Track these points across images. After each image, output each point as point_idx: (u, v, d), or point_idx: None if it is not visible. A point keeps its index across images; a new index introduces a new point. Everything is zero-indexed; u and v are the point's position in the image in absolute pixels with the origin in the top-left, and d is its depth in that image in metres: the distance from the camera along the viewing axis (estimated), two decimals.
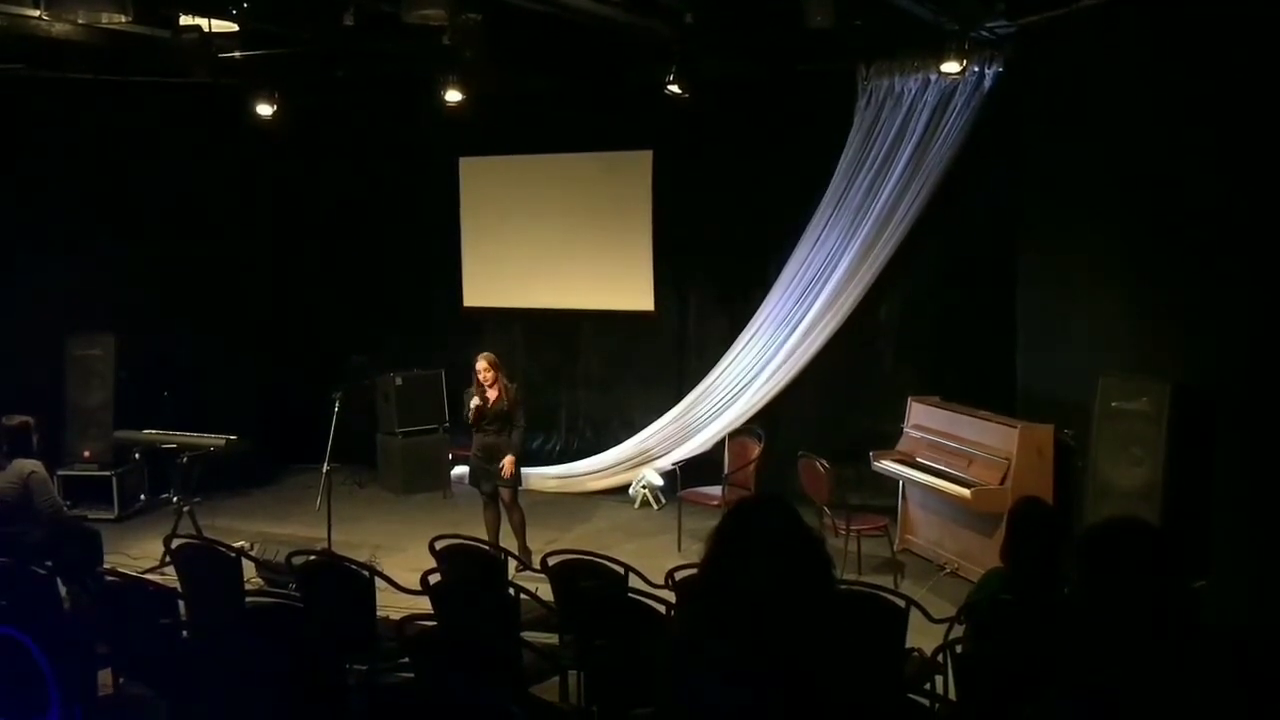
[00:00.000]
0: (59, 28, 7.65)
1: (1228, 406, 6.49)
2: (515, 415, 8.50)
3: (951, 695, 4.75)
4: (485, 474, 8.52)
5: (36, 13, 6.84)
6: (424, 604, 5.74)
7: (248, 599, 6.18)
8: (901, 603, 5.18)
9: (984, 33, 8.30)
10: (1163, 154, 6.93)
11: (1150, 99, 7.05)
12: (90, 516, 9.09)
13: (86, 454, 10.10)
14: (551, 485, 10.78)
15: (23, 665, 4.12)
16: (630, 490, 10.49)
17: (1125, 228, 7.42)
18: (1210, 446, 6.61)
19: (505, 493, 8.49)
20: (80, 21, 6.77)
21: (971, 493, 7.77)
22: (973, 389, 8.78)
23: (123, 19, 5.43)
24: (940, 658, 4.95)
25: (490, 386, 8.44)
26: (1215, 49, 6.44)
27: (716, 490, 9.22)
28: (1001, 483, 7.70)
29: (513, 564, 7.03)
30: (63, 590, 6.09)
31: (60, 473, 9.57)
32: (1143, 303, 7.32)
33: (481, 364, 8.48)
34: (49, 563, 6.05)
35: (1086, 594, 2.95)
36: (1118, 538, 2.99)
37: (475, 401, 8.41)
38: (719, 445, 9.91)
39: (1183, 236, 6.80)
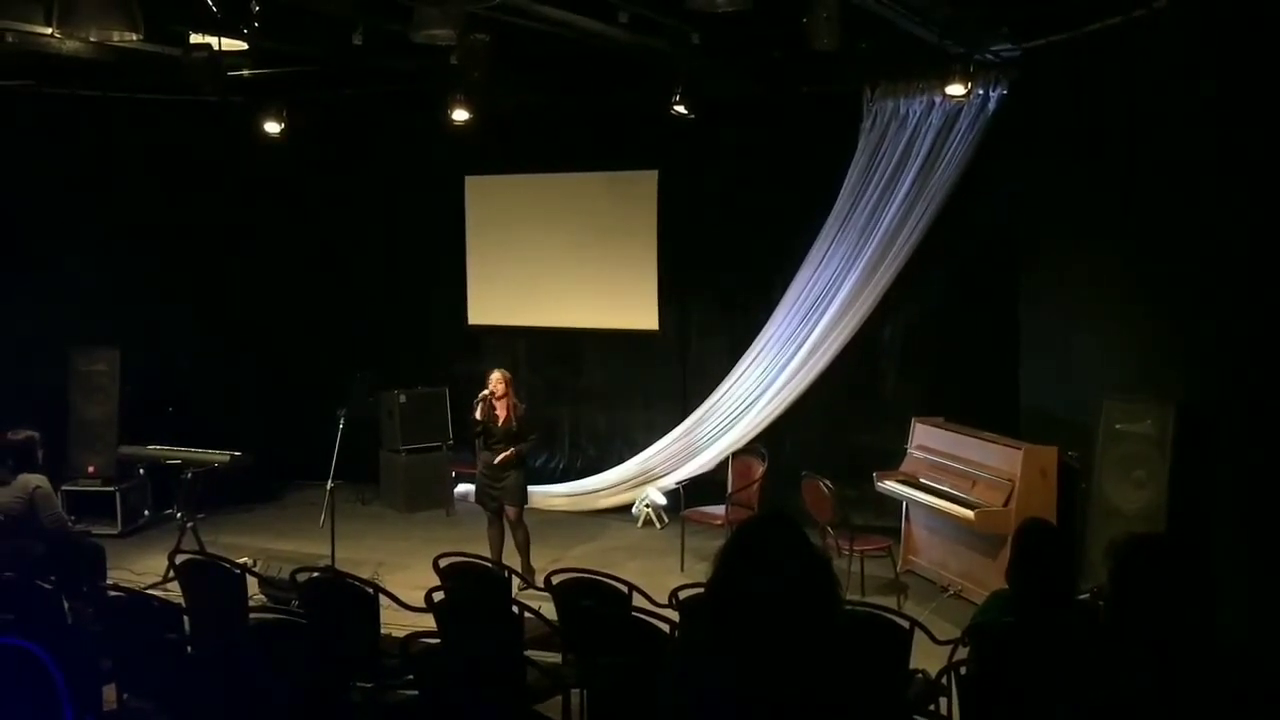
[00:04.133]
0: (70, 45, 7.70)
1: (1231, 427, 6.49)
2: (524, 433, 8.52)
3: (956, 717, 4.74)
4: (491, 492, 8.52)
5: (48, 30, 6.88)
6: (428, 621, 5.74)
7: (251, 615, 6.18)
8: (905, 624, 5.18)
9: (989, 56, 8.35)
10: (1165, 176, 6.95)
11: (1153, 122, 7.08)
12: (94, 532, 9.09)
13: (91, 469, 10.11)
14: (554, 504, 10.78)
15: (33, 678, 4.13)
16: (633, 509, 10.49)
17: (1128, 249, 7.44)
18: (1214, 468, 6.61)
19: (510, 510, 8.49)
20: (91, 39, 6.80)
21: (975, 514, 7.77)
22: (976, 410, 8.78)
23: (134, 37, 5.45)
24: (944, 680, 4.94)
25: (499, 400, 8.46)
26: (1219, 72, 6.47)
27: (720, 510, 9.22)
28: (1005, 504, 7.70)
29: (516, 582, 7.02)
30: (66, 605, 6.09)
31: (64, 488, 9.58)
32: (1145, 324, 7.33)
33: (495, 375, 8.51)
34: (53, 577, 6.06)
35: (1115, 608, 2.96)
36: (1150, 553, 3.00)
37: (484, 394, 8.43)
38: (722, 464, 9.92)
39: (1185, 258, 6.82)
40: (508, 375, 8.60)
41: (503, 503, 8.48)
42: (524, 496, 8.65)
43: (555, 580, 6.04)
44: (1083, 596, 5.77)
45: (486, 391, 8.49)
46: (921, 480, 8.49)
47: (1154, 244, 7.12)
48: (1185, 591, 2.90)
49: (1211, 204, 6.59)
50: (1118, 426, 7.12)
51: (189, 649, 5.51)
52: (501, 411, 8.47)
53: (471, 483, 11.02)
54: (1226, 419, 6.53)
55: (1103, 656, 3.07)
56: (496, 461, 8.43)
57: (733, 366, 10.20)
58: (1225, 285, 6.51)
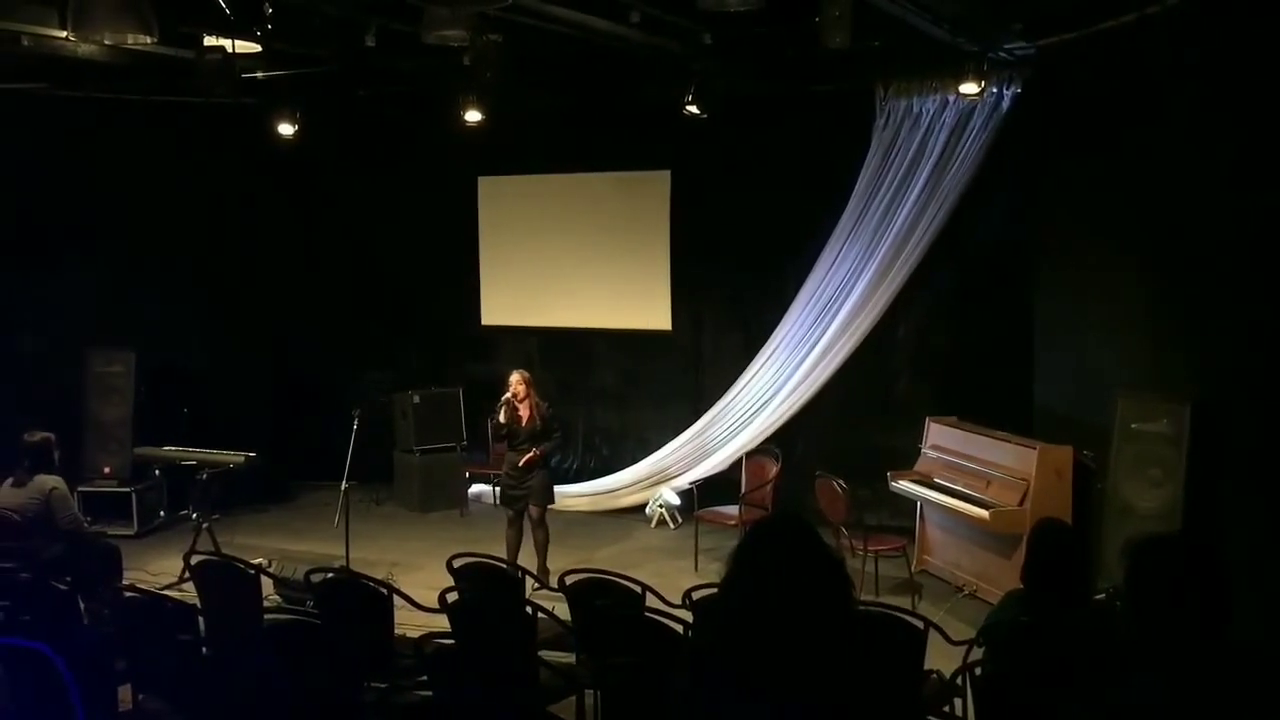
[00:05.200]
0: (85, 48, 7.74)
1: (1246, 426, 6.46)
2: (549, 433, 8.54)
3: (971, 718, 4.73)
4: (515, 492, 8.52)
5: (63, 34, 6.91)
6: (441, 622, 5.74)
7: (266, 616, 6.20)
8: (920, 624, 5.16)
9: (1002, 54, 8.32)
10: (1179, 174, 6.92)
11: (1167, 120, 7.05)
12: (110, 533, 9.13)
13: (106, 470, 10.15)
14: (567, 504, 10.76)
15: (47, 680, 4.15)
16: (647, 509, 10.49)
17: (1142, 248, 7.41)
18: (1230, 467, 6.57)
19: (534, 510, 8.50)
20: (106, 42, 6.83)
21: (990, 514, 7.74)
22: (990, 409, 8.76)
23: (149, 40, 5.47)
24: (959, 680, 4.93)
25: (521, 402, 8.47)
26: (1233, 71, 6.44)
27: (733, 510, 9.21)
28: (1020, 504, 7.67)
29: (530, 583, 7.03)
30: (82, 606, 6.12)
31: (80, 489, 9.61)
32: (1160, 322, 7.30)
33: (515, 377, 8.53)
34: (69, 578, 6.08)
35: (1130, 608, 2.94)
36: (1165, 552, 2.99)
37: (505, 398, 8.43)
38: (736, 464, 9.90)
39: (1199, 256, 6.79)
40: (527, 375, 8.61)
41: (528, 502, 8.48)
42: (549, 496, 8.67)
43: (568, 581, 6.04)
44: (1099, 596, 5.75)
45: (508, 395, 8.50)
46: (936, 480, 8.47)
47: (1169, 242, 7.08)
48: (1201, 591, 2.88)
49: (1226, 202, 6.56)
50: (1133, 425, 7.09)
51: (204, 649, 5.54)
52: (524, 412, 8.49)
53: (485, 483, 11.08)
54: (1242, 417, 6.49)
55: (1118, 657, 3.06)
56: (521, 463, 8.44)
57: (746, 366, 10.19)
58: (1240, 283, 6.48)
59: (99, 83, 9.41)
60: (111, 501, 10.03)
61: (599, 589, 5.93)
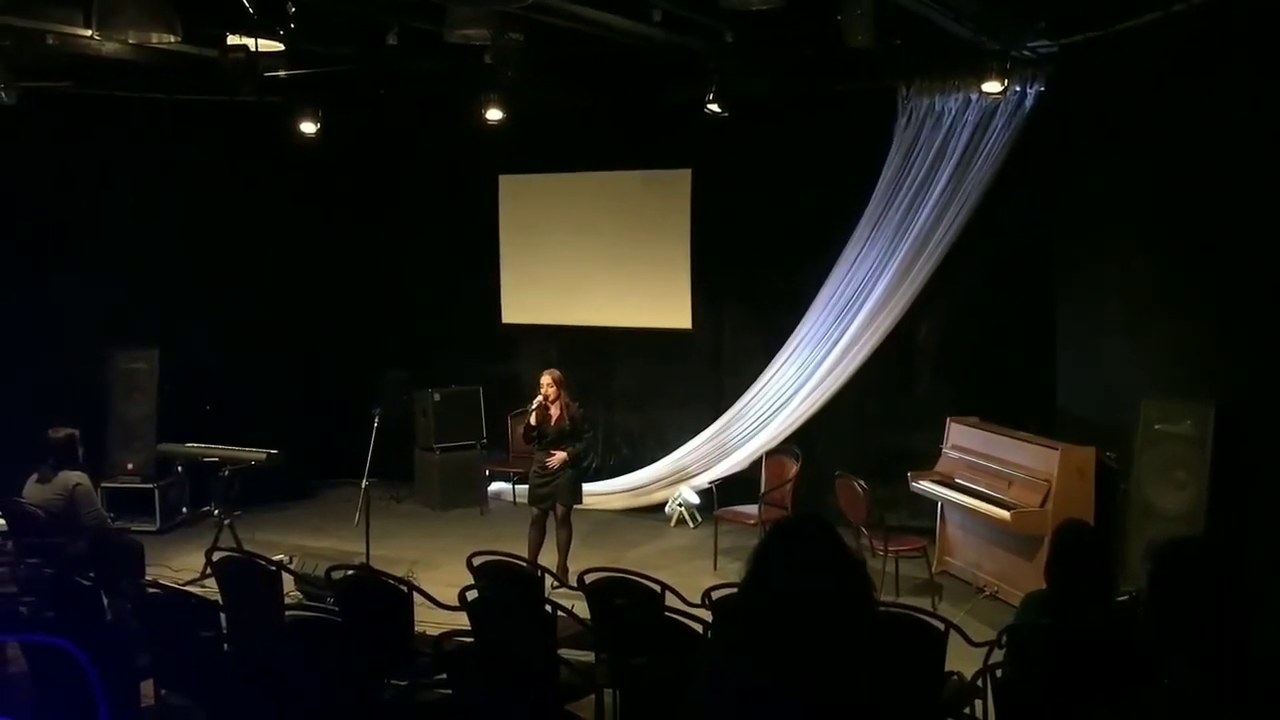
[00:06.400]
0: (109, 47, 7.80)
1: (1271, 427, 6.40)
2: (579, 433, 8.54)
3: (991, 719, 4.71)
4: (542, 491, 8.53)
5: (88, 32, 6.97)
6: (461, 620, 5.75)
7: (287, 612, 6.22)
8: (940, 625, 5.14)
9: (1026, 52, 8.27)
10: (1203, 175, 6.87)
11: (1191, 120, 7.00)
12: (133, 528, 9.20)
13: (130, 466, 10.21)
14: (587, 502, 10.76)
15: (70, 675, 4.18)
16: (666, 508, 10.48)
17: (1166, 248, 7.36)
18: (1255, 469, 6.52)
19: (560, 508, 8.50)
20: (131, 41, 6.88)
21: (1011, 515, 7.71)
22: (1012, 409, 8.72)
23: (172, 39, 5.52)
24: (980, 681, 4.91)
25: (553, 403, 8.48)
26: (1257, 71, 6.38)
27: (753, 509, 9.20)
28: (1042, 505, 7.63)
29: (549, 581, 7.03)
30: (105, 601, 6.16)
31: (104, 485, 9.67)
32: (1184, 323, 7.24)
33: (546, 379, 8.52)
34: (92, 574, 6.13)
35: (1153, 611, 2.93)
36: (1188, 555, 2.98)
37: (537, 401, 8.44)
38: (756, 464, 9.89)
39: (1223, 257, 6.74)
40: (557, 375, 8.59)
41: (555, 501, 8.49)
42: (577, 496, 8.66)
43: (588, 579, 6.04)
44: (1121, 598, 5.71)
45: (540, 397, 8.50)
46: (957, 480, 8.43)
47: (1192, 242, 7.04)
48: (1223, 594, 2.87)
49: (1252, 200, 6.51)
50: (1156, 427, 7.04)
51: (225, 645, 5.56)
52: (555, 412, 8.50)
53: (505, 481, 11.10)
54: (1267, 419, 6.44)
55: (1140, 659, 3.05)
56: (548, 462, 8.45)
57: (766, 365, 10.16)
58: (1266, 283, 6.43)
59: (123, 81, 9.48)
60: (135, 498, 10.09)
61: (618, 588, 5.93)
